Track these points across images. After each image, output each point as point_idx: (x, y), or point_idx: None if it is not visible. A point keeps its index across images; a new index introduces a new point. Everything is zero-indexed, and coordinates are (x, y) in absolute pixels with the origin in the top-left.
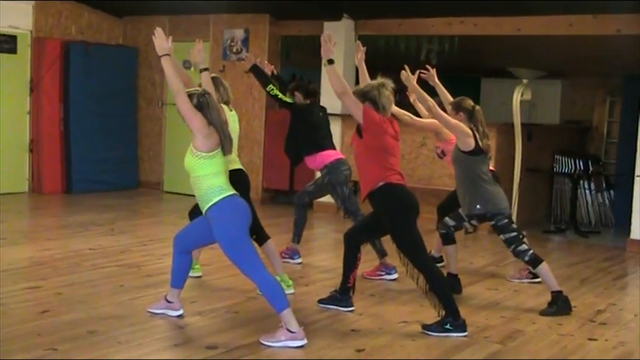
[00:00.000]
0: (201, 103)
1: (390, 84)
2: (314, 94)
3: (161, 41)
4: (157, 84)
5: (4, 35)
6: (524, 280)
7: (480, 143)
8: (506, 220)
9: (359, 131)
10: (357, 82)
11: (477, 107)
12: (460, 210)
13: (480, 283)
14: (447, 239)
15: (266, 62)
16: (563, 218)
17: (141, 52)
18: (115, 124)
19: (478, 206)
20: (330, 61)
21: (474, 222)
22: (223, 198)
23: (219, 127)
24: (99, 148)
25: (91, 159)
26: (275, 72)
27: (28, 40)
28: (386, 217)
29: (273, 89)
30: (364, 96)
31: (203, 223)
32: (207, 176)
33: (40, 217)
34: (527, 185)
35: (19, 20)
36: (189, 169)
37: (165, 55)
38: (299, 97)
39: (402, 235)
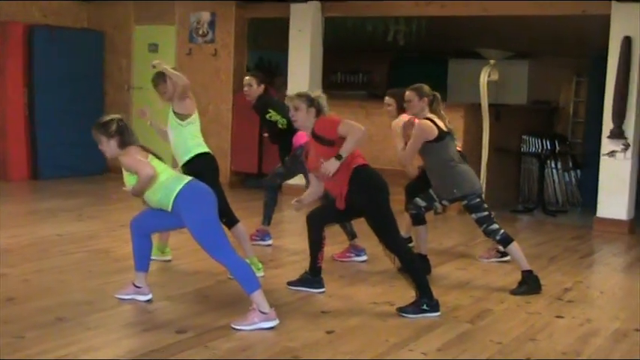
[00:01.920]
0: (121, 127)
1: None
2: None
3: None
4: (123, 68)
5: None
6: (492, 260)
7: (443, 127)
8: (478, 200)
9: (328, 142)
10: (325, 60)
11: (436, 93)
12: (431, 190)
13: (450, 263)
14: (417, 220)
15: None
16: (531, 198)
17: (107, 37)
18: (82, 109)
19: (455, 190)
20: (339, 157)
21: (445, 202)
22: (183, 186)
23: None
24: (65, 133)
25: (58, 144)
26: None
27: None
28: (361, 198)
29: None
30: (311, 102)
31: (157, 211)
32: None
33: (6, 203)
34: (495, 165)
35: None
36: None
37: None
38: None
39: (379, 215)
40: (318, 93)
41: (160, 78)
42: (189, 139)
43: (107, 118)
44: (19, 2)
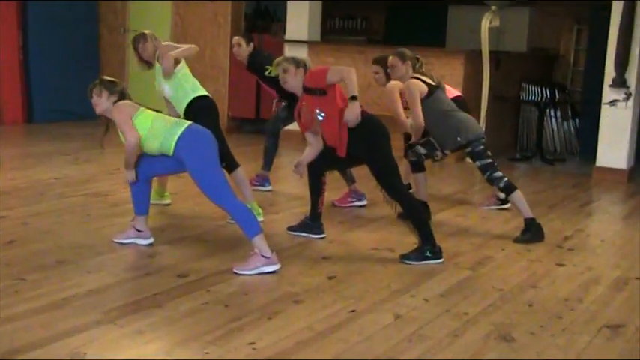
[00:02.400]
0: (123, 91)
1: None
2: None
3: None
4: (118, 11)
5: None
6: (492, 207)
7: (431, 82)
8: (482, 147)
9: (319, 91)
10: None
11: (418, 56)
12: (432, 139)
13: (449, 211)
14: (417, 167)
15: None
16: (529, 146)
17: None
18: (77, 52)
19: (459, 138)
20: (354, 98)
21: (447, 152)
22: (184, 129)
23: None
24: (60, 76)
25: (53, 88)
26: None
27: None
28: (362, 144)
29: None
30: (298, 63)
31: (155, 157)
32: (151, 129)
33: (2, 147)
34: (494, 113)
35: None
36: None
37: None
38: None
39: (380, 161)
40: (304, 58)
41: (141, 38)
42: (184, 82)
43: (114, 79)
44: None
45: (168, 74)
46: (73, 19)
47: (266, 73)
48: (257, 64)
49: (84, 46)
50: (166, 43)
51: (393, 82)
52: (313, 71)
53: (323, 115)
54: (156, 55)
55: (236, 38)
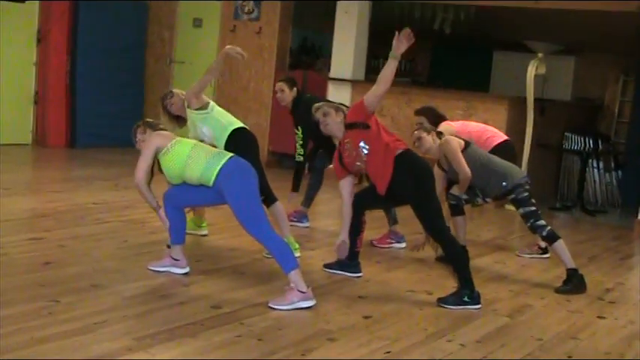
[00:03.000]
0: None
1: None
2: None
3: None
4: (166, 41)
5: None
6: (534, 256)
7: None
8: (526, 194)
9: (362, 125)
10: (369, 45)
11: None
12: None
13: (488, 256)
14: (456, 210)
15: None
16: (570, 196)
17: (151, 8)
18: (122, 79)
19: (504, 183)
20: (396, 57)
21: (489, 199)
22: (226, 161)
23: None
24: (105, 102)
25: (97, 113)
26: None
27: None
28: (406, 184)
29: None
30: (337, 107)
31: (192, 186)
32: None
33: (43, 169)
34: (536, 161)
35: None
36: (175, 170)
37: None
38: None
39: (424, 202)
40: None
41: (168, 94)
42: (220, 118)
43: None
44: None
45: (189, 103)
46: (121, 47)
47: (297, 133)
48: (299, 114)
49: (130, 73)
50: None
51: (450, 137)
52: (352, 107)
53: (368, 148)
54: (185, 105)
55: (279, 84)
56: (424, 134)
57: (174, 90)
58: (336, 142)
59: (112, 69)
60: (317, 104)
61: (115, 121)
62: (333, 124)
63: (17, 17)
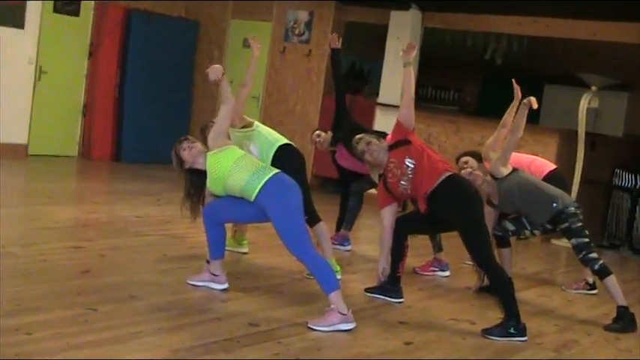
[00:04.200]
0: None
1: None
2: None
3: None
4: (215, 59)
5: None
6: (580, 291)
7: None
8: (580, 224)
9: (404, 142)
10: (419, 72)
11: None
12: (522, 217)
13: (533, 290)
14: (502, 242)
15: (334, 35)
16: (618, 234)
17: (202, 26)
18: (170, 96)
19: (554, 204)
20: (409, 64)
21: (537, 232)
22: (271, 177)
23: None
24: (151, 118)
25: (143, 129)
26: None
27: (91, 4)
28: (454, 207)
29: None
30: (377, 136)
31: (232, 201)
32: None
33: (87, 181)
34: (585, 196)
35: None
36: (220, 173)
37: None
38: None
39: (472, 228)
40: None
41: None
42: (266, 134)
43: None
44: None
45: (232, 122)
46: (170, 64)
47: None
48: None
49: (178, 91)
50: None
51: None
52: (391, 131)
53: (413, 162)
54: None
55: (315, 133)
56: (476, 171)
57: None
58: (376, 176)
59: (160, 85)
60: (356, 137)
61: (160, 137)
62: (378, 151)
63: (71, 30)
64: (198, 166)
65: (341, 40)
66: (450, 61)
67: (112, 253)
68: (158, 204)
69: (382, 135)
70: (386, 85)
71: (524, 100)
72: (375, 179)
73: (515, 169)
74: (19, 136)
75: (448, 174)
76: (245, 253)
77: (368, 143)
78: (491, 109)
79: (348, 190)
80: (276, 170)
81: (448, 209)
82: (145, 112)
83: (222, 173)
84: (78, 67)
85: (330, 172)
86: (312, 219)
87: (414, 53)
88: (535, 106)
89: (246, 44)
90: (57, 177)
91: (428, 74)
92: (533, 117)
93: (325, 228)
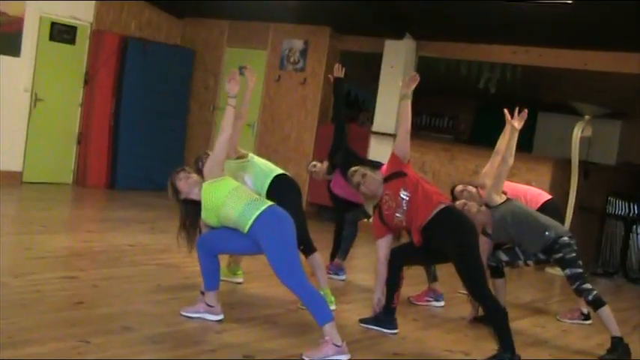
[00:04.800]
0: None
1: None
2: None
3: (234, 85)
4: (210, 88)
5: (65, 25)
6: (575, 321)
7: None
8: (574, 254)
9: (399, 174)
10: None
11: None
12: (516, 247)
13: (527, 319)
14: (496, 272)
15: (338, 65)
16: (612, 262)
17: (197, 54)
18: (165, 124)
19: (547, 233)
20: (407, 97)
21: (530, 262)
22: (264, 210)
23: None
24: (146, 146)
25: (138, 156)
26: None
27: (87, 32)
28: (449, 238)
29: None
30: (372, 168)
31: (226, 233)
32: (232, 193)
33: (82, 209)
34: (578, 224)
35: (81, 12)
36: (213, 203)
37: (233, 97)
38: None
39: (466, 260)
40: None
41: (202, 157)
42: (261, 165)
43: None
44: (116, 13)
45: (228, 153)
46: (166, 92)
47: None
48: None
49: (173, 118)
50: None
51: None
52: (386, 163)
53: (408, 194)
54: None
55: (311, 163)
56: (470, 202)
57: (209, 152)
58: (370, 208)
59: (155, 113)
60: (352, 169)
61: (155, 165)
62: (373, 182)
63: (67, 58)
64: (194, 197)
65: (344, 70)
66: (445, 89)
67: (106, 284)
68: (152, 232)
69: (378, 165)
70: (380, 113)
71: (509, 119)
72: (370, 211)
73: (509, 199)
74: (14, 164)
75: (442, 206)
76: (240, 283)
77: (363, 175)
78: (485, 137)
79: (343, 218)
80: (270, 202)
81: (443, 241)
82: (140, 139)
83: (216, 203)
84: (73, 95)
85: (325, 200)
86: (308, 249)
87: (414, 86)
88: (517, 125)
89: (241, 72)
90: (51, 204)
91: (422, 102)
92: (527, 145)
93: (320, 258)
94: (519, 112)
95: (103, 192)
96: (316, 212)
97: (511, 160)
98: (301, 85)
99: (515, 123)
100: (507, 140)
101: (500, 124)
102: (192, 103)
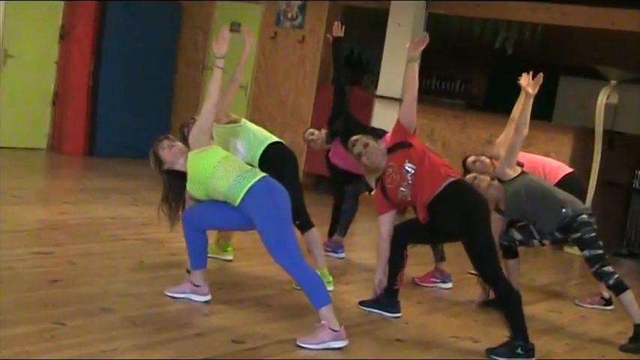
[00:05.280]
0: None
1: None
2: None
3: (223, 44)
4: (199, 45)
5: None
6: (595, 306)
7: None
8: (594, 234)
9: (404, 144)
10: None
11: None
12: (531, 226)
13: (542, 303)
14: (509, 252)
15: (337, 23)
16: (638, 241)
17: (185, 9)
18: (150, 85)
19: (564, 210)
20: (414, 59)
21: (546, 242)
22: (257, 181)
23: None
24: (129, 109)
25: (119, 121)
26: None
27: None
28: (457, 215)
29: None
30: (375, 137)
31: (215, 206)
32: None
33: (57, 177)
34: (601, 200)
35: None
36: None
37: (221, 57)
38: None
39: (477, 239)
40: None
41: (189, 123)
42: (254, 131)
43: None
44: None
45: (217, 118)
46: (151, 50)
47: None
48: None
49: (159, 79)
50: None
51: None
52: (390, 131)
53: (413, 167)
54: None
55: (308, 131)
56: (481, 175)
57: (197, 117)
58: (372, 180)
59: (139, 73)
60: (352, 138)
61: (138, 130)
62: (376, 153)
63: (40, 11)
64: (179, 168)
65: (344, 28)
66: (457, 51)
67: (84, 260)
68: (135, 204)
69: (381, 134)
70: (386, 75)
71: (523, 83)
72: (372, 184)
73: (523, 172)
74: None
75: (451, 180)
76: (229, 261)
77: (365, 145)
78: (500, 102)
79: (343, 191)
80: (263, 174)
81: (451, 218)
82: (122, 102)
83: (204, 175)
84: (48, 52)
85: (323, 170)
86: (304, 225)
87: (422, 48)
88: (531, 90)
89: (233, 29)
90: (24, 172)
91: (432, 64)
92: (546, 113)
93: (318, 235)
94: (534, 77)
95: (81, 159)
96: (314, 183)
97: (525, 130)
98: (299, 43)
99: (529, 88)
100: (522, 108)
101: (517, 89)
102: (179, 62)
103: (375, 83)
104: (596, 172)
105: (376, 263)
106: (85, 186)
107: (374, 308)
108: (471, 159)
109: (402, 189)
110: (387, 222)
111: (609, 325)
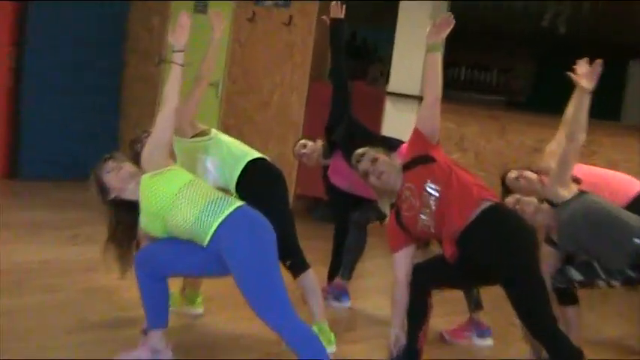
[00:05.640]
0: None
1: None
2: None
3: (181, 34)
4: (154, 31)
5: None
6: None
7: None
8: None
9: (424, 159)
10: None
11: None
12: (595, 262)
13: None
14: (566, 297)
15: (336, 3)
16: None
17: None
18: (90, 84)
19: (636, 240)
20: (435, 47)
21: (615, 282)
22: (232, 211)
23: None
24: (63, 117)
25: (51, 132)
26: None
27: None
28: (496, 257)
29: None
30: (388, 149)
31: (177, 246)
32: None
33: None
34: None
35: None
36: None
37: (180, 51)
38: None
39: (524, 281)
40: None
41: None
42: (231, 146)
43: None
44: None
45: (182, 132)
46: (90, 40)
47: None
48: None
49: (101, 77)
50: None
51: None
52: (407, 143)
53: (437, 188)
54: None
55: (299, 143)
56: (526, 197)
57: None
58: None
59: (75, 69)
60: (357, 151)
61: (77, 143)
62: (388, 171)
63: None
64: (129, 196)
65: (344, 7)
66: (492, 33)
67: (6, 321)
68: (74, 243)
69: (395, 145)
70: (398, 67)
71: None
72: (384, 210)
73: (582, 191)
74: None
75: (487, 204)
76: (199, 316)
77: (374, 161)
78: (551, 99)
79: (346, 220)
80: (241, 202)
81: (487, 255)
82: (54, 107)
83: (161, 205)
84: None
85: (320, 192)
86: (297, 266)
87: (447, 32)
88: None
89: (199, 9)
90: None
91: (460, 51)
92: (613, 110)
93: (314, 278)
94: (591, 65)
95: (2, 184)
96: (307, 209)
97: (582, 136)
98: (285, 26)
99: (584, 82)
100: (576, 106)
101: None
102: (128, 53)
103: (385, 76)
104: None
105: (391, 314)
106: (8, 220)
107: None
108: (512, 175)
109: (422, 217)
110: (403, 261)
111: None
